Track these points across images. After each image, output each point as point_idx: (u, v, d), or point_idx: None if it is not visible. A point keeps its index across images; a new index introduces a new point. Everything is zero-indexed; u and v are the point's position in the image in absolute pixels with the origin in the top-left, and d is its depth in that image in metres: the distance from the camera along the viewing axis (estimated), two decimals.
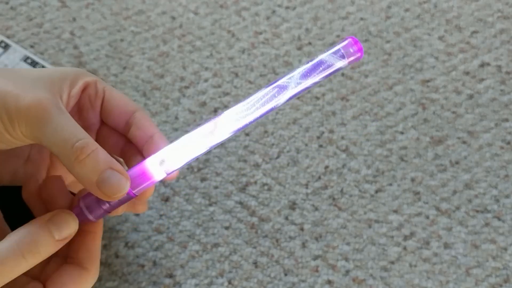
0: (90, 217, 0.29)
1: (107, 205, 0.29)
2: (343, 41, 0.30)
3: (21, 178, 0.32)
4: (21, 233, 0.27)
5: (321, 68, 0.30)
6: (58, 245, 0.27)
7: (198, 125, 0.29)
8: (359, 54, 0.30)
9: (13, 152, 0.31)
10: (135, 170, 0.29)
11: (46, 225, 0.27)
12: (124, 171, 0.28)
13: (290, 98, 0.30)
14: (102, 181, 0.26)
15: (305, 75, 0.30)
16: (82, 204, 0.29)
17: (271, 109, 0.30)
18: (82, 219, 0.29)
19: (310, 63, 0.30)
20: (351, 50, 0.29)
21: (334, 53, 0.30)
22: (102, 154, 0.27)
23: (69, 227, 0.28)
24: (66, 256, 0.30)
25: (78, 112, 0.32)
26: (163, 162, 0.29)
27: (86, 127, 0.32)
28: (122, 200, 0.29)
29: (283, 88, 0.30)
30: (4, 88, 0.27)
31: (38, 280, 0.29)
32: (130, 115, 0.31)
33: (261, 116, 0.30)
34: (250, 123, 0.30)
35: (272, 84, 0.30)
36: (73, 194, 0.31)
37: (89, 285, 0.29)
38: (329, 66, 0.30)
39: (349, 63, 0.30)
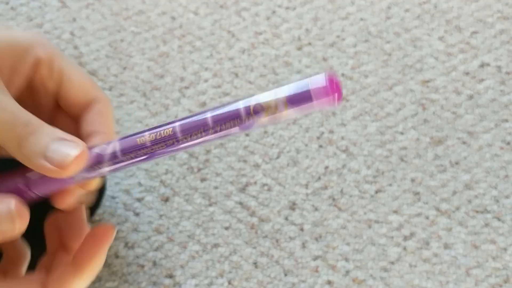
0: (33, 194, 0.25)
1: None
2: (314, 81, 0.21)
3: None
4: None
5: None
6: None
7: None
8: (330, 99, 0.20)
9: None
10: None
11: None
12: (77, 139, 0.23)
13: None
14: (52, 151, 0.22)
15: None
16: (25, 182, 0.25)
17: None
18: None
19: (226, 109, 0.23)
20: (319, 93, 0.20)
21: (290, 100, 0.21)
22: (47, 128, 0.23)
23: (11, 226, 0.23)
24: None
25: (29, 91, 0.27)
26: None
27: (38, 111, 0.26)
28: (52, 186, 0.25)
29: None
30: None
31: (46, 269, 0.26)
32: (88, 105, 0.27)
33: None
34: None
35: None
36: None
37: (82, 286, 0.26)
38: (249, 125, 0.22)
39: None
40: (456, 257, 0.49)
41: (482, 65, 0.57)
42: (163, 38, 0.58)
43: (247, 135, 0.53)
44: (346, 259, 0.48)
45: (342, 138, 0.53)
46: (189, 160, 0.52)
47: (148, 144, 0.24)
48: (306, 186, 0.51)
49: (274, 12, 0.60)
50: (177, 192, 0.51)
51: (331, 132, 0.54)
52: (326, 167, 0.52)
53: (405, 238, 0.49)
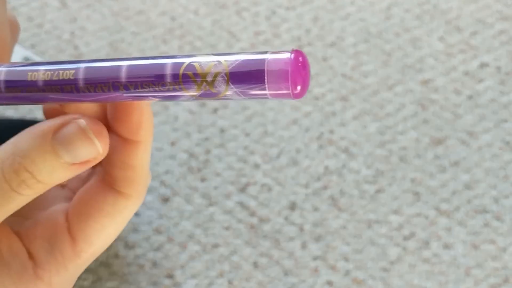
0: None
1: None
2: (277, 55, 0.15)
3: None
4: (10, 149, 0.18)
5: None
6: (74, 170, 0.19)
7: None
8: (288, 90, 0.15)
9: None
10: None
11: (50, 143, 0.18)
12: None
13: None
14: None
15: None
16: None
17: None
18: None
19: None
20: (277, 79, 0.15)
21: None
22: None
23: (90, 149, 0.18)
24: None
25: None
26: None
27: None
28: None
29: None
30: None
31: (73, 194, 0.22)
32: None
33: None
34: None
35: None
36: None
37: (128, 216, 0.21)
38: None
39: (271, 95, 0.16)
40: (456, 257, 0.49)
41: (482, 66, 0.57)
42: (163, 38, 0.58)
43: (247, 135, 0.53)
44: (346, 259, 0.48)
45: (342, 138, 0.53)
46: (189, 160, 0.52)
47: (40, 84, 0.18)
48: (306, 186, 0.51)
49: (274, 12, 0.60)
50: (177, 192, 0.51)
51: (331, 132, 0.54)
52: (326, 167, 0.52)
53: (405, 238, 0.49)
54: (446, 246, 0.49)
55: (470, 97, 0.56)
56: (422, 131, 0.54)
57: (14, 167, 0.18)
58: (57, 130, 0.18)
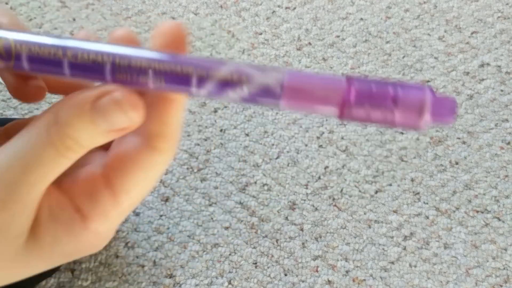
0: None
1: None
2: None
3: None
4: (53, 118, 0.20)
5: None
6: (112, 136, 0.20)
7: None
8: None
9: None
10: None
11: (89, 113, 0.20)
12: None
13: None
14: None
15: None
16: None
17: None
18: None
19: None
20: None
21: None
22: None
23: (125, 119, 0.20)
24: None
25: None
26: None
27: None
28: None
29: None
30: None
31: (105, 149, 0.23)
32: None
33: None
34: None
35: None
36: None
37: (161, 169, 0.22)
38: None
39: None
40: (456, 257, 0.49)
41: (482, 65, 0.57)
42: None
43: (247, 135, 0.53)
44: (346, 259, 0.48)
45: (342, 138, 0.53)
46: (189, 160, 0.52)
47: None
48: (306, 186, 0.51)
49: (274, 12, 0.60)
50: (177, 192, 0.51)
51: (331, 132, 0.54)
52: (326, 167, 0.52)
53: (405, 238, 0.49)
54: (446, 246, 0.49)
55: (470, 97, 0.56)
56: (422, 130, 0.54)
57: (60, 135, 0.20)
58: (94, 100, 0.20)
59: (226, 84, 0.20)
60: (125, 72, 0.20)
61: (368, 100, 0.19)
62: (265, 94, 0.20)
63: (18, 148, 0.21)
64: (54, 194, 0.22)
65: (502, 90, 0.56)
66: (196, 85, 0.20)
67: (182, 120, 0.23)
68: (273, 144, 0.53)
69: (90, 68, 0.20)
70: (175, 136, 0.22)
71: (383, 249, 0.49)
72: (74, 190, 0.23)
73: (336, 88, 0.19)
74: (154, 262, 0.48)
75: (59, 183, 0.23)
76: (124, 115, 0.20)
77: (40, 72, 0.21)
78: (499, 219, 0.50)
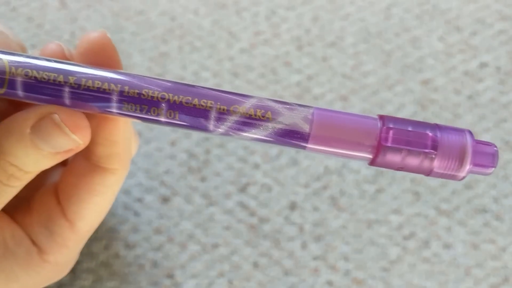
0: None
1: None
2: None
3: None
4: None
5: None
6: (59, 157, 0.19)
7: None
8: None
9: None
10: None
11: (29, 138, 0.18)
12: None
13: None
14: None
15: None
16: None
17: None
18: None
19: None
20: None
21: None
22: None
23: (69, 142, 0.18)
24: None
25: None
26: None
27: None
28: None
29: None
30: None
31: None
32: None
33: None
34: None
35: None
36: None
37: (116, 188, 0.22)
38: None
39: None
40: (456, 257, 0.49)
41: (482, 65, 0.58)
42: (163, 38, 0.58)
43: None
44: (346, 259, 0.48)
45: None
46: (189, 160, 0.52)
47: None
48: (306, 186, 0.51)
49: (274, 12, 0.60)
50: (177, 192, 0.51)
51: None
52: (326, 167, 0.52)
53: (405, 238, 0.49)
54: (446, 246, 0.49)
55: (469, 97, 0.56)
56: None
57: (0, 163, 0.18)
58: (34, 124, 0.18)
59: (249, 120, 0.18)
60: (133, 103, 0.18)
61: (406, 144, 0.17)
62: (291, 135, 0.18)
63: None
64: (8, 226, 0.21)
65: (501, 90, 0.56)
66: (215, 120, 0.18)
67: (131, 134, 0.21)
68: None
69: (94, 97, 0.18)
70: (127, 153, 0.21)
71: (383, 249, 0.49)
72: (28, 222, 0.21)
73: (369, 129, 0.17)
74: (154, 262, 0.48)
75: (12, 212, 0.21)
76: (67, 138, 0.18)
77: (35, 100, 0.19)
78: (498, 219, 0.50)
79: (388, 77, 0.57)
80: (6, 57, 0.19)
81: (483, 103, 0.55)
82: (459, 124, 0.54)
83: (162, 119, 0.18)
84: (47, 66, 0.19)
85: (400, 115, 0.55)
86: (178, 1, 0.60)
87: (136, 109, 0.18)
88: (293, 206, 0.50)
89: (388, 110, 0.55)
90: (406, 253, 0.49)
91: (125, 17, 0.59)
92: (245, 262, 0.48)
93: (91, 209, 0.21)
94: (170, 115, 0.18)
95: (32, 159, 0.19)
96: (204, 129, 0.18)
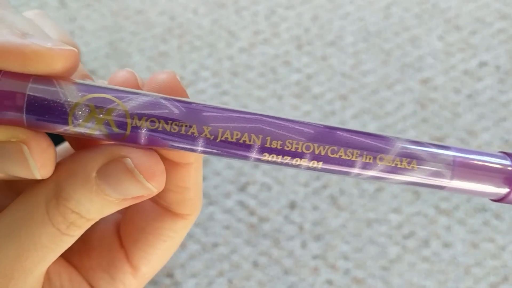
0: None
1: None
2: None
3: None
4: (52, 189, 0.16)
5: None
6: (126, 204, 0.17)
7: None
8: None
9: None
10: None
11: (95, 182, 0.16)
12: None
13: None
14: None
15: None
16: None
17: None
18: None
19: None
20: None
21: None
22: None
23: (141, 189, 0.16)
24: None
25: None
26: None
27: None
28: None
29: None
30: None
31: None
32: None
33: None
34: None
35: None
36: None
37: (185, 232, 0.20)
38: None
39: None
40: (455, 256, 0.49)
41: (481, 64, 0.58)
42: (162, 37, 0.58)
43: None
44: (346, 258, 0.48)
45: None
46: None
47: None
48: (306, 185, 0.51)
49: (273, 11, 0.60)
50: None
51: None
52: None
53: (405, 237, 0.49)
54: (446, 245, 0.49)
55: (469, 96, 0.56)
56: (421, 129, 0.54)
57: (60, 210, 0.16)
58: (101, 168, 0.16)
59: (394, 170, 0.17)
60: (275, 154, 0.16)
61: None
62: (433, 180, 0.17)
63: (11, 226, 0.17)
64: (65, 271, 0.19)
65: (500, 89, 0.56)
66: (359, 168, 0.17)
67: (201, 179, 0.19)
68: None
69: (231, 148, 0.16)
70: (198, 198, 0.19)
71: (382, 248, 0.49)
72: (87, 266, 0.19)
73: (502, 166, 0.16)
74: None
75: (67, 254, 0.19)
76: (140, 186, 0.16)
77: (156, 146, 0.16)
78: (498, 218, 0.50)
79: (387, 76, 0.57)
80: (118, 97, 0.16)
81: (482, 102, 0.56)
82: (458, 123, 0.54)
83: (303, 166, 0.17)
84: (173, 112, 0.15)
85: (400, 114, 0.55)
86: (177, 1, 0.60)
87: (276, 160, 0.17)
88: (292, 205, 0.51)
89: (388, 109, 0.55)
90: (405, 252, 0.49)
91: (125, 17, 0.59)
92: (245, 261, 0.48)
93: (158, 255, 0.20)
94: (313, 165, 0.17)
95: (96, 206, 0.16)
96: (346, 175, 0.17)
